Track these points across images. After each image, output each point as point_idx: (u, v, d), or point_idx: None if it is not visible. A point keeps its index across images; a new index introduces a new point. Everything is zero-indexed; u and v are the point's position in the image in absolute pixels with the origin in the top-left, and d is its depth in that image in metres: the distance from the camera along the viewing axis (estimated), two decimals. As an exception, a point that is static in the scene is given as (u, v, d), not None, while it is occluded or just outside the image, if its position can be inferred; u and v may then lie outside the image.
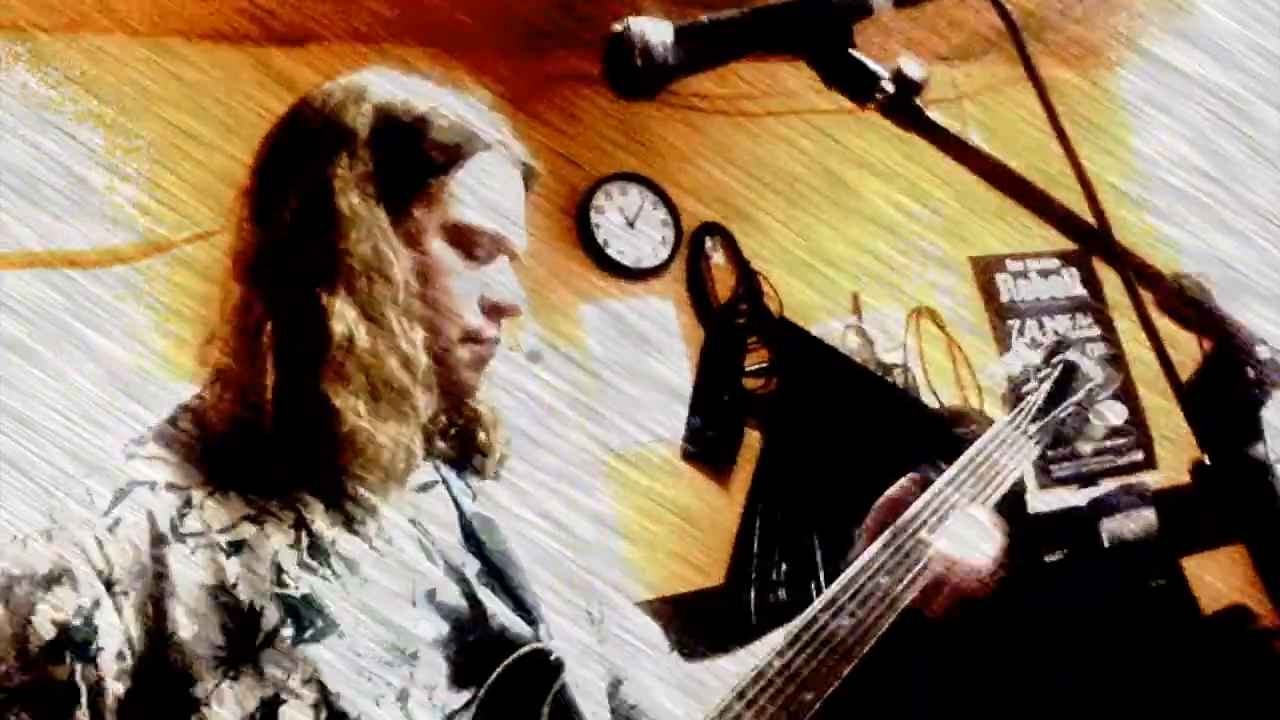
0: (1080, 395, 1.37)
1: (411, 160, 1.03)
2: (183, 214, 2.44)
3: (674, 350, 3.11)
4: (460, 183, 1.04)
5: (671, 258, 3.17)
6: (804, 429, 3.09)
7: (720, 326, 3.17)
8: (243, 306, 0.99)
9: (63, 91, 2.47)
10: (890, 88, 0.94)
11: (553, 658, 1.00)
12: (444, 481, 1.10)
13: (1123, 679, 2.83)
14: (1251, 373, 0.91)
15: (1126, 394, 3.66)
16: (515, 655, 0.98)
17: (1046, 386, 1.36)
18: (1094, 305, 3.74)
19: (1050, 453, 3.56)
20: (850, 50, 0.95)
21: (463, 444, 1.15)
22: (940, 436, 3.04)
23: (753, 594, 2.89)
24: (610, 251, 3.08)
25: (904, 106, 0.94)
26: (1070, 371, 1.38)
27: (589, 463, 2.79)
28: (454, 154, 1.04)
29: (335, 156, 1.01)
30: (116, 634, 0.88)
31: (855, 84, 0.95)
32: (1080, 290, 3.74)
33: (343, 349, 0.95)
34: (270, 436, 0.95)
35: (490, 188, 1.06)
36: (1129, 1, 3.53)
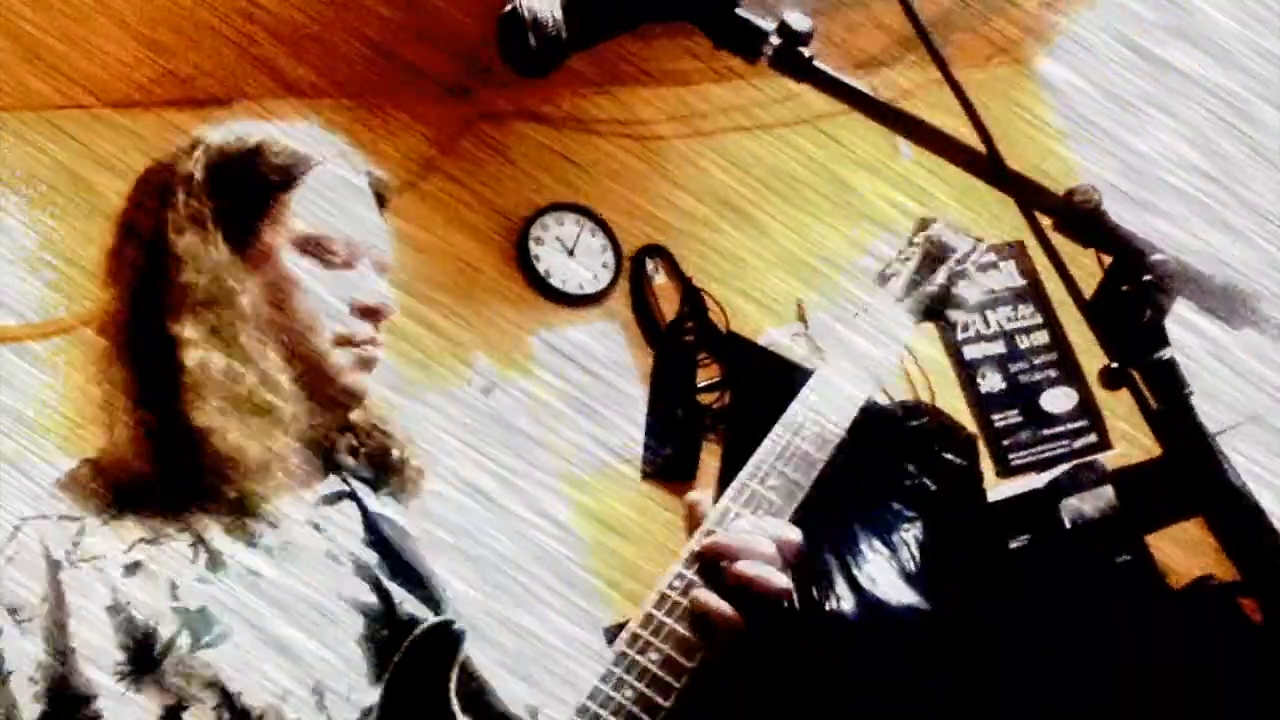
0: (950, 264, 1.38)
1: (249, 186, 1.09)
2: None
3: (626, 372, 3.13)
4: (301, 198, 1.10)
5: (614, 282, 3.20)
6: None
7: (669, 346, 3.19)
8: (106, 359, 1.05)
9: None
10: (776, 40, 0.97)
11: (455, 627, 1.01)
12: (354, 495, 1.13)
13: (1096, 658, 2.85)
14: (1150, 279, 0.94)
15: (1075, 378, 3.71)
16: (421, 629, 1.00)
17: (912, 263, 1.37)
18: (1033, 294, 3.80)
19: (1005, 441, 3.62)
20: (735, 9, 0.98)
21: (375, 463, 1.19)
22: (895, 431, 3.07)
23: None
24: (553, 281, 3.11)
25: (792, 57, 0.97)
26: (937, 246, 1.39)
27: (552, 488, 2.79)
28: (290, 173, 1.10)
29: (172, 202, 1.08)
30: (26, 659, 0.92)
31: (743, 42, 0.98)
32: (1020, 281, 3.80)
33: (199, 376, 1.01)
34: (156, 467, 1.00)
35: (331, 197, 1.11)
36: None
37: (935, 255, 1.38)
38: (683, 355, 3.19)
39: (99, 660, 0.93)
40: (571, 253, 3.16)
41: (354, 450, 1.18)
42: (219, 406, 1.00)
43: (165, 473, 1.00)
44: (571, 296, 3.13)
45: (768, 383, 3.22)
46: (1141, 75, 3.67)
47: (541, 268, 3.10)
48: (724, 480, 3.44)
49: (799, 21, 0.97)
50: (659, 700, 0.95)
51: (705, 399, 3.17)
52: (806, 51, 0.97)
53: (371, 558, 1.07)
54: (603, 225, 3.22)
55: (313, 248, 1.09)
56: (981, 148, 0.95)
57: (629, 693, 0.96)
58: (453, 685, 0.98)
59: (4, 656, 0.92)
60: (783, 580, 0.99)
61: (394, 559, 1.07)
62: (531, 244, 3.10)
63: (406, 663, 0.98)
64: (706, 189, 3.40)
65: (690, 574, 1.02)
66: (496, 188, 3.05)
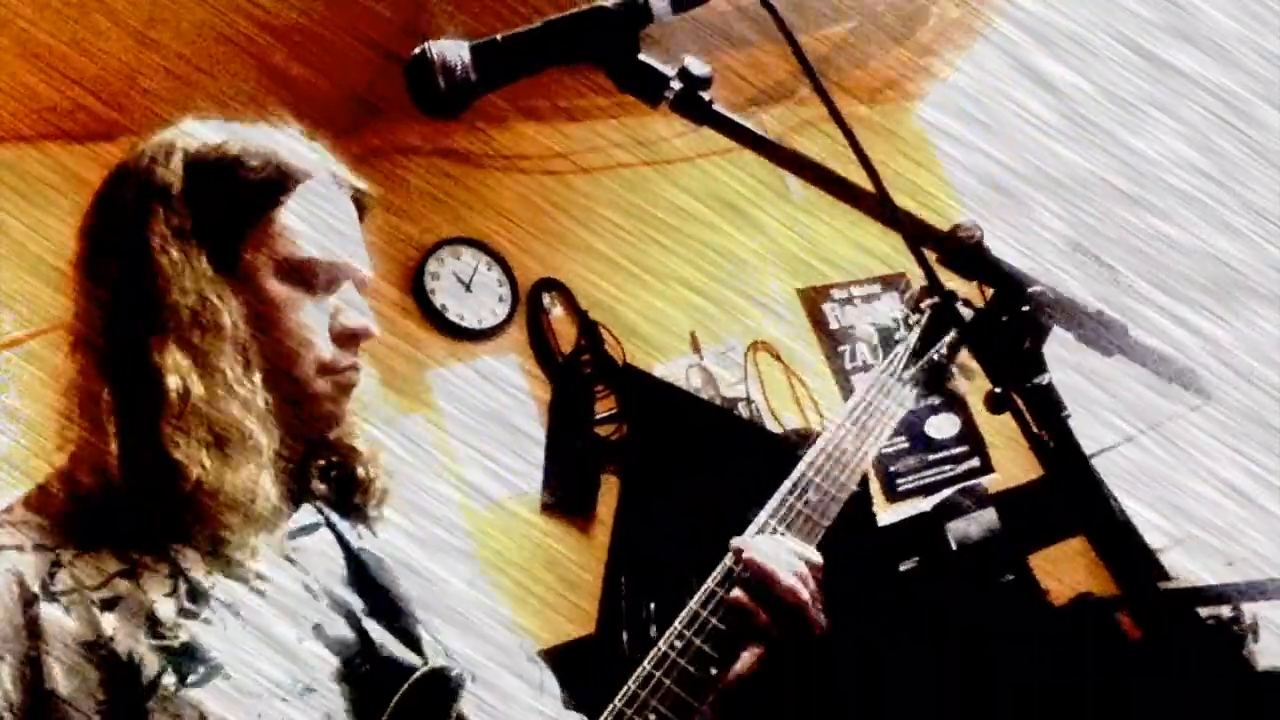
0: (950, 335, 1.39)
1: (231, 204, 1.04)
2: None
3: (524, 406, 3.15)
4: (286, 218, 1.05)
5: (511, 316, 3.21)
6: (658, 469, 3.15)
7: (566, 378, 3.22)
8: (81, 376, 1.00)
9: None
10: (677, 85, 1.01)
11: (454, 673, 1.01)
12: (329, 524, 1.10)
13: (984, 675, 2.95)
14: (1028, 310, 1.00)
15: (958, 404, 3.85)
16: (417, 674, 0.99)
17: (916, 331, 1.39)
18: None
19: (893, 467, 3.73)
20: (638, 55, 1.02)
21: (341, 484, 1.15)
22: (788, 459, 3.15)
23: (625, 636, 2.91)
24: (450, 315, 3.11)
25: (692, 101, 1.02)
26: (939, 316, 1.40)
27: (452, 523, 2.79)
28: (275, 190, 1.05)
29: (151, 214, 1.02)
30: None
31: (646, 86, 1.02)
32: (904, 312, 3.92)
33: (179, 402, 0.96)
34: (130, 495, 0.95)
35: (319, 217, 1.07)
36: (920, 37, 3.77)
37: (941, 324, 1.39)
38: (580, 388, 3.22)
39: (78, 700, 0.89)
40: (468, 287, 3.16)
41: (325, 475, 1.14)
42: (200, 438, 0.95)
43: (138, 501, 0.95)
44: (469, 331, 3.13)
45: (664, 414, 3.28)
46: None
47: (438, 301, 3.10)
48: (622, 511, 3.46)
49: (699, 67, 1.02)
50: (692, 702, 1.06)
51: (603, 431, 3.20)
52: (706, 95, 1.02)
53: (349, 595, 1.04)
54: (499, 259, 3.24)
55: (298, 271, 1.04)
56: (869, 185, 1.00)
57: (662, 692, 1.06)
58: None
59: None
60: (805, 592, 1.11)
61: (373, 593, 1.05)
62: (428, 278, 3.10)
63: (402, 710, 0.97)
64: (602, 223, 3.45)
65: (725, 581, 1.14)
66: (392, 222, 3.04)
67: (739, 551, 1.15)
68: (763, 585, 1.11)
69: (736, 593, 1.12)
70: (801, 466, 1.24)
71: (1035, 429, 0.96)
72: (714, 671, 1.09)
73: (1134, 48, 3.58)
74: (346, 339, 1.07)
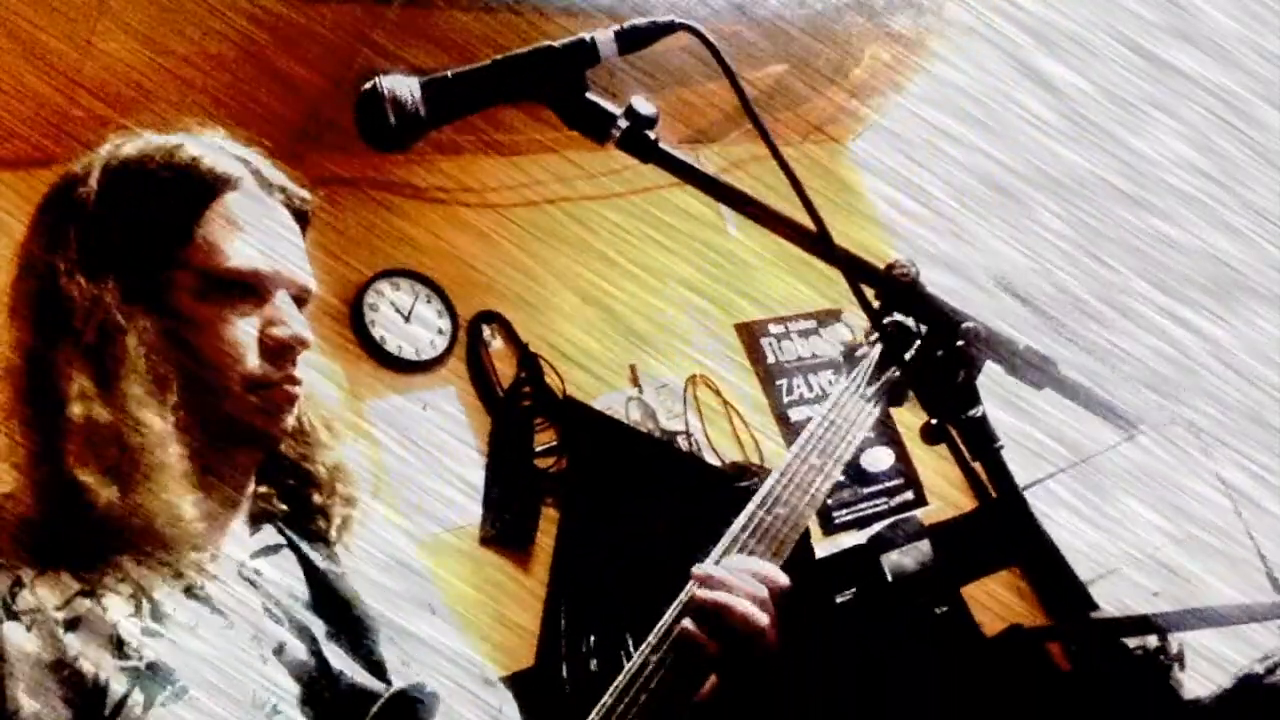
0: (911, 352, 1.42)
1: (147, 219, 1.02)
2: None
3: (463, 438, 3.14)
4: (209, 229, 1.02)
5: (450, 348, 3.21)
6: (598, 502, 3.16)
7: (506, 411, 3.22)
8: (7, 407, 0.99)
9: None
10: (624, 123, 1.04)
11: (426, 691, 1.00)
12: (291, 545, 1.09)
13: (919, 706, 2.98)
14: (961, 345, 1.04)
15: (892, 438, 3.91)
16: (384, 699, 0.98)
17: (877, 349, 1.38)
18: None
19: (830, 500, 3.77)
20: (585, 94, 1.05)
21: (298, 507, 1.13)
22: (727, 492, 3.17)
23: (564, 669, 2.90)
24: (388, 347, 3.10)
25: (638, 140, 1.04)
26: (901, 333, 1.43)
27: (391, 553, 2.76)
28: (195, 200, 1.03)
29: (63, 239, 1.01)
30: None
31: (593, 124, 1.05)
32: (840, 346, 3.98)
33: (83, 429, 0.94)
34: (47, 520, 0.94)
35: (243, 228, 1.04)
36: (850, 81, 3.86)
37: (898, 343, 1.42)
38: (520, 420, 3.22)
39: None
40: (407, 318, 3.16)
41: (286, 496, 1.12)
42: (105, 463, 0.93)
43: (56, 526, 0.94)
44: (407, 362, 3.12)
45: (604, 447, 3.29)
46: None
47: (377, 333, 3.09)
48: (562, 544, 3.46)
49: (644, 106, 1.05)
50: None
51: (543, 463, 3.20)
52: (651, 134, 1.05)
53: (310, 619, 1.02)
54: (438, 291, 3.23)
55: (221, 284, 1.01)
56: (808, 222, 1.03)
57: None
58: None
59: None
60: (763, 618, 1.09)
61: (335, 615, 1.04)
62: (366, 310, 3.09)
63: None
64: (541, 256, 3.46)
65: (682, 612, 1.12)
66: (331, 253, 3.02)
67: (696, 580, 1.13)
68: (716, 616, 1.09)
69: (687, 624, 1.10)
70: (770, 482, 1.23)
71: (969, 460, 1.00)
72: (674, 706, 1.08)
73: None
74: (277, 352, 1.03)
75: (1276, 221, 3.38)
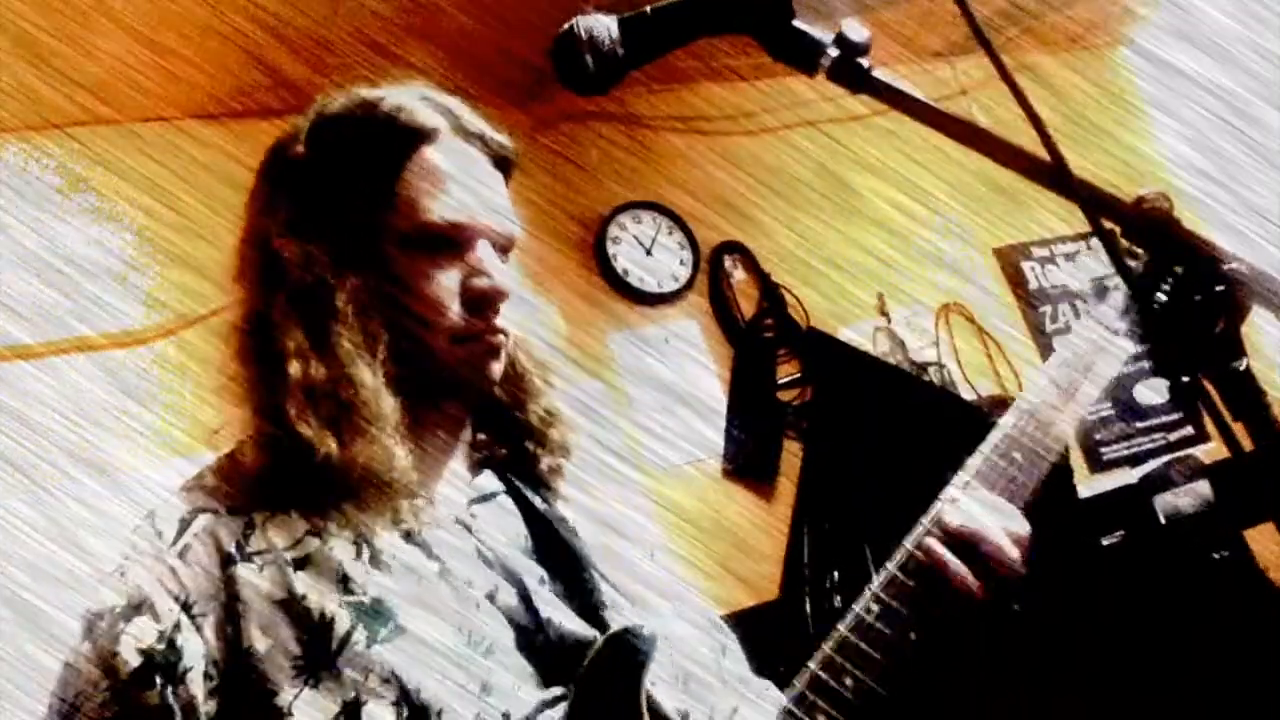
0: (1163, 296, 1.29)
1: (350, 177, 1.04)
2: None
3: (705, 370, 3.13)
4: (410, 183, 1.04)
5: (692, 280, 3.19)
6: (843, 435, 3.08)
7: (748, 342, 3.18)
8: (235, 362, 1.04)
9: (85, 183, 2.56)
10: (834, 52, 0.96)
11: (643, 633, 1.00)
12: (510, 489, 1.11)
13: (1196, 664, 2.77)
14: (1223, 289, 0.91)
15: (1170, 369, 3.60)
16: (601, 641, 0.99)
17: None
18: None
19: (1097, 436, 3.53)
20: (792, 22, 0.97)
21: (518, 453, 1.15)
22: (981, 428, 3.02)
23: (808, 604, 2.87)
24: (631, 280, 3.12)
25: (850, 69, 0.96)
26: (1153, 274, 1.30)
27: (630, 487, 2.80)
28: (396, 154, 1.04)
29: (277, 200, 1.06)
30: (200, 654, 0.92)
31: (801, 54, 0.97)
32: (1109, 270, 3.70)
33: (301, 385, 0.99)
34: (274, 471, 0.99)
35: (442, 180, 1.04)
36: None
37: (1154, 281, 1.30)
38: (763, 352, 3.17)
39: (274, 656, 0.92)
40: (649, 251, 3.16)
41: (506, 440, 1.15)
42: (324, 416, 0.97)
43: (282, 476, 0.98)
44: (650, 295, 3.13)
45: (849, 379, 3.20)
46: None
47: (619, 266, 3.11)
48: (806, 478, 3.40)
49: (856, 32, 0.96)
50: (888, 666, 1.01)
51: (785, 396, 3.15)
52: (864, 62, 0.96)
53: (526, 565, 1.05)
54: (680, 223, 3.21)
55: (422, 237, 1.03)
56: (1043, 152, 0.93)
57: (858, 656, 1.01)
58: (644, 696, 0.98)
59: (182, 652, 0.91)
60: (1015, 552, 1.04)
61: (554, 558, 1.06)
62: (609, 243, 3.11)
63: (594, 672, 0.98)
64: (783, 184, 3.37)
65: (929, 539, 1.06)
66: (574, 188, 3.06)
67: (941, 511, 1.07)
68: (968, 544, 1.03)
69: (938, 549, 1.04)
70: (1004, 425, 1.14)
71: (1229, 419, 0.88)
72: (912, 636, 1.03)
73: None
74: (478, 303, 1.04)
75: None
